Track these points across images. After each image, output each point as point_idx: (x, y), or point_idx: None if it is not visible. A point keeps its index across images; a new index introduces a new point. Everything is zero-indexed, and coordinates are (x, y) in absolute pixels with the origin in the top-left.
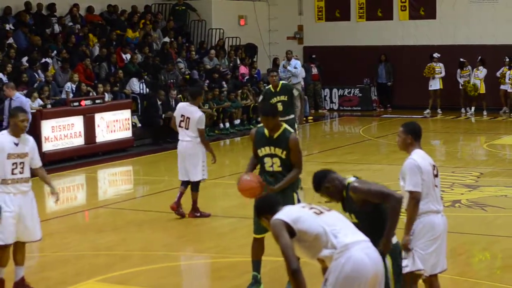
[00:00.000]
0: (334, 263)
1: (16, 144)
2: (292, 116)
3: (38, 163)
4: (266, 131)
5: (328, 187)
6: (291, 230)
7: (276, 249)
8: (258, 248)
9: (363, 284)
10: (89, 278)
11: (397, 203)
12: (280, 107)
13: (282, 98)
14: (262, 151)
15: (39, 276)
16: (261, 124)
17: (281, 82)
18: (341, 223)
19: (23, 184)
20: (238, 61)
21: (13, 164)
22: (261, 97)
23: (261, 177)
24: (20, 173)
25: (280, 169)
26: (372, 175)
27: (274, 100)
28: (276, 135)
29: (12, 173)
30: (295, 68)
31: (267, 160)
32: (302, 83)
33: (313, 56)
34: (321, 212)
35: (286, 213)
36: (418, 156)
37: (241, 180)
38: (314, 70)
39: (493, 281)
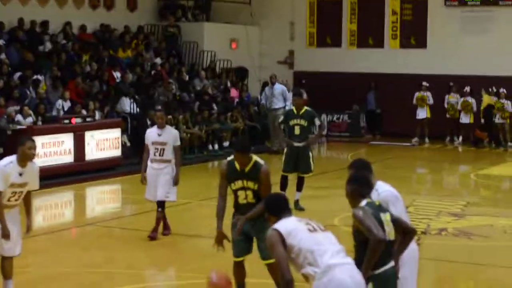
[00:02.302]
0: (317, 283)
1: (20, 175)
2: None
3: (34, 187)
4: (237, 165)
5: (349, 193)
6: (283, 242)
7: (259, 270)
8: (240, 272)
9: None
10: None
11: (374, 243)
12: (297, 131)
13: (302, 122)
14: (236, 185)
15: None
16: (231, 157)
17: (306, 107)
18: (330, 244)
19: (14, 208)
20: (229, 84)
21: (12, 193)
22: (281, 118)
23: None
24: (16, 200)
25: (253, 201)
26: None
27: (293, 122)
28: (247, 169)
29: (8, 200)
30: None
31: (241, 193)
32: (288, 107)
33: (303, 81)
34: (315, 230)
35: (283, 225)
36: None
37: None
38: (304, 95)
39: None
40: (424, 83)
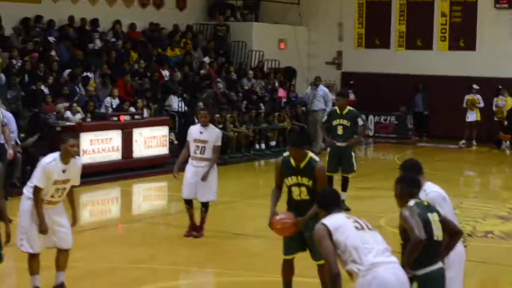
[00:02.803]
0: (361, 280)
1: (64, 171)
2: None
3: (76, 183)
4: (292, 161)
5: (398, 193)
6: (330, 237)
7: (308, 269)
8: (288, 270)
9: None
10: None
11: (415, 242)
12: (340, 130)
13: (345, 122)
14: (289, 181)
15: (73, 286)
16: (286, 154)
17: (349, 107)
18: (376, 243)
19: (58, 203)
20: (277, 84)
21: (56, 190)
22: (325, 117)
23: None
24: (59, 197)
25: (307, 197)
26: None
27: (336, 122)
28: (302, 165)
29: (52, 197)
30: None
31: (295, 189)
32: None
33: (351, 82)
34: (362, 228)
35: (331, 220)
36: None
37: (274, 219)
38: (352, 96)
39: None
40: (475, 86)
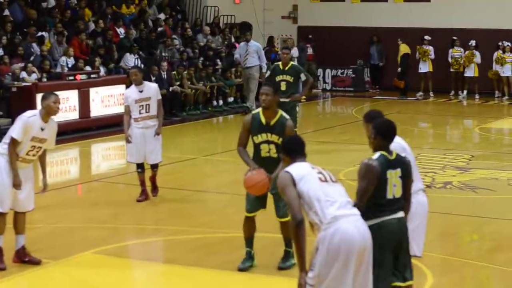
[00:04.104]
0: (323, 233)
1: (42, 130)
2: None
3: (51, 146)
4: (262, 118)
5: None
6: (294, 186)
7: (270, 225)
8: (250, 226)
9: (350, 255)
10: (82, 250)
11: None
12: (283, 86)
13: (288, 78)
14: (259, 138)
15: (33, 247)
16: (256, 111)
17: (292, 62)
18: (339, 196)
19: (29, 164)
20: (233, 39)
21: (31, 147)
22: (268, 73)
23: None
24: (33, 156)
25: (276, 155)
26: (364, 155)
27: (279, 78)
28: (272, 122)
29: (27, 154)
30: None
31: (264, 147)
32: (264, 66)
33: (310, 36)
34: (325, 180)
35: (295, 169)
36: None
37: (247, 177)
38: (310, 50)
39: (483, 261)
40: (426, 37)
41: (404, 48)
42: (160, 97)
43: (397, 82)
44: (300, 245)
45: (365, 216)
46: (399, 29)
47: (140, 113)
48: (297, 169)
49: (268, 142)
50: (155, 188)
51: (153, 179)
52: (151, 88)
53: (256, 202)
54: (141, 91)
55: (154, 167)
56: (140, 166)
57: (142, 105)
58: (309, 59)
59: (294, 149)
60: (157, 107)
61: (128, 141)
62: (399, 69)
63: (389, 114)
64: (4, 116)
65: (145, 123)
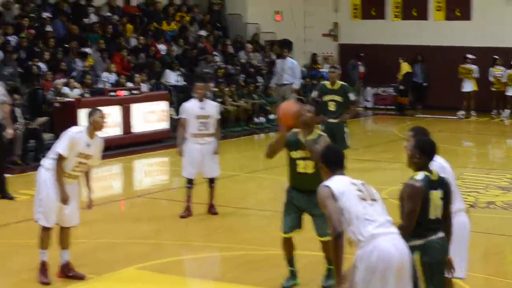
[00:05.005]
0: (361, 251)
1: (88, 146)
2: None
3: (96, 162)
4: (300, 135)
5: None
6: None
7: (311, 243)
8: (289, 246)
9: (388, 272)
10: (125, 266)
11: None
12: (332, 106)
13: (337, 98)
14: (295, 154)
15: (77, 263)
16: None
17: (339, 81)
18: (378, 215)
19: (75, 180)
20: (274, 57)
21: (77, 162)
22: (315, 92)
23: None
24: (79, 171)
25: (313, 171)
26: (407, 174)
27: (328, 97)
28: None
29: (73, 170)
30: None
31: (300, 163)
32: (296, 83)
33: (361, 54)
34: (365, 198)
35: (336, 184)
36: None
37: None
38: (361, 68)
39: None
40: (469, 56)
41: (406, 67)
42: (219, 116)
43: (401, 100)
44: (338, 257)
45: (408, 236)
46: (440, 48)
47: (199, 129)
48: (337, 184)
49: (304, 158)
50: (212, 206)
51: (211, 197)
52: (213, 107)
53: (291, 223)
54: (202, 108)
55: (212, 181)
56: (191, 181)
57: (202, 122)
58: (361, 77)
59: (333, 161)
60: (215, 126)
61: (181, 155)
62: (401, 86)
63: (431, 133)
64: (47, 131)
65: (203, 139)
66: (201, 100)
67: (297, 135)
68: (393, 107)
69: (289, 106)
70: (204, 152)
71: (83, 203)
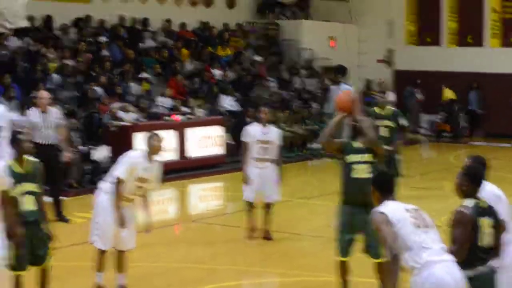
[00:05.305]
0: (415, 278)
1: (146, 170)
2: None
3: (154, 186)
4: (354, 143)
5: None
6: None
7: (363, 269)
8: (344, 270)
9: None
10: None
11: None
12: (382, 132)
13: (387, 123)
14: (352, 158)
15: (132, 286)
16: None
17: (389, 107)
18: (433, 243)
19: (132, 203)
20: (328, 82)
21: (136, 186)
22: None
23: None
24: (138, 195)
25: (368, 175)
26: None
27: (379, 123)
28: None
29: (131, 194)
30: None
31: (356, 166)
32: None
33: (418, 81)
34: (420, 226)
35: (391, 211)
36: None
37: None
38: (419, 96)
39: None
40: None
41: (449, 93)
42: (281, 143)
43: (443, 126)
44: (393, 280)
45: (459, 264)
46: (495, 75)
47: (259, 153)
48: (393, 211)
49: (359, 162)
50: (267, 231)
51: (267, 222)
52: (275, 133)
53: (348, 246)
54: (265, 133)
55: (268, 207)
56: (251, 204)
57: (263, 147)
58: (418, 103)
59: (384, 186)
60: (276, 152)
61: (246, 182)
62: (442, 113)
63: (488, 160)
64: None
65: (263, 164)
66: (264, 125)
67: (351, 141)
68: (448, 134)
69: (346, 93)
70: (263, 176)
71: (139, 226)
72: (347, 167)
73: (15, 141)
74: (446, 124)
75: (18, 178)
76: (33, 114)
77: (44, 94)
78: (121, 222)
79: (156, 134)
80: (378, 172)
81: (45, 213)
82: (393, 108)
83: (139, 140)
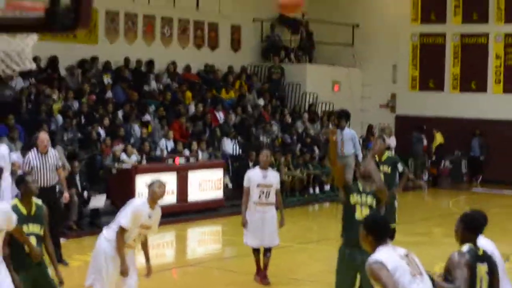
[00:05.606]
0: None
1: (149, 217)
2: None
3: (154, 231)
4: (359, 185)
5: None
6: None
7: None
8: None
9: None
10: None
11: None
12: (383, 178)
13: (386, 169)
14: (354, 198)
15: None
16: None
17: (387, 152)
18: None
19: (133, 249)
20: (331, 127)
21: (138, 233)
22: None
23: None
24: (138, 241)
25: None
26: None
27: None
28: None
29: (133, 240)
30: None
31: (358, 208)
32: (359, 154)
33: (424, 127)
34: (415, 274)
35: (387, 258)
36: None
37: None
38: (425, 142)
39: None
40: None
41: (439, 138)
42: (279, 186)
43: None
44: None
45: None
46: (498, 121)
47: (259, 198)
48: (389, 259)
49: (362, 204)
50: (265, 277)
51: (265, 266)
52: (275, 177)
53: (349, 283)
54: (265, 177)
55: (268, 251)
56: (256, 249)
57: (263, 191)
58: (424, 150)
59: (379, 230)
60: (276, 196)
61: (244, 226)
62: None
63: (488, 209)
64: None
65: (263, 208)
66: (265, 169)
67: (357, 184)
68: (448, 180)
69: None
70: (264, 220)
71: (139, 270)
72: (350, 209)
73: (22, 182)
74: (434, 168)
75: (23, 219)
76: (33, 155)
77: (43, 136)
78: (124, 271)
79: (158, 181)
80: (371, 215)
81: (53, 256)
82: (391, 154)
83: (141, 182)
